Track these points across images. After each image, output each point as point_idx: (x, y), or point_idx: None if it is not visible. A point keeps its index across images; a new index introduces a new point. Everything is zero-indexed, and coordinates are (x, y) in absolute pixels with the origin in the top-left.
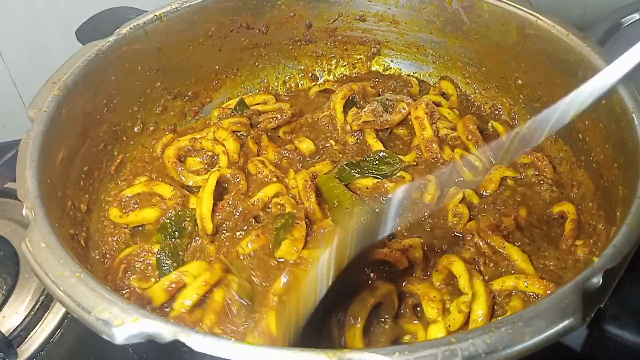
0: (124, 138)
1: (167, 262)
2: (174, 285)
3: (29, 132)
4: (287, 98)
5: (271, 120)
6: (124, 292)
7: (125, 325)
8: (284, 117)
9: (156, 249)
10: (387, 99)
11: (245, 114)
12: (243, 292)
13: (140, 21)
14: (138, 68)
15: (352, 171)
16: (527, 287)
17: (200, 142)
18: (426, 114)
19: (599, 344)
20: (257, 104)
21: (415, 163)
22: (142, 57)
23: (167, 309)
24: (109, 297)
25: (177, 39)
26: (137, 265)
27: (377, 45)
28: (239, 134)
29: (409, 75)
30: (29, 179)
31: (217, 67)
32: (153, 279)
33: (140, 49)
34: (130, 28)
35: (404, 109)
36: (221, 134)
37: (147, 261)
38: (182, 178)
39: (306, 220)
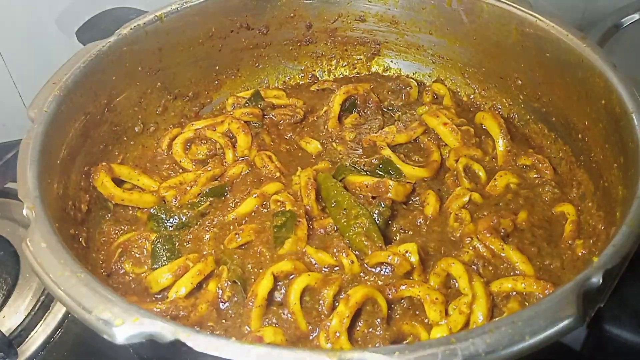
0: (125, 138)
1: (162, 252)
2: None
3: (29, 133)
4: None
5: (284, 116)
6: (120, 272)
7: (126, 325)
8: (296, 118)
9: (153, 237)
10: (397, 119)
11: (259, 105)
12: (234, 275)
13: (140, 22)
14: (138, 68)
15: (352, 168)
16: (525, 288)
17: (205, 132)
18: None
19: (599, 344)
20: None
21: (426, 179)
22: (142, 58)
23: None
24: (110, 297)
25: (178, 40)
26: (133, 251)
27: (377, 46)
28: (252, 124)
29: (408, 76)
30: (29, 179)
31: (217, 67)
32: (146, 266)
33: (141, 49)
34: (131, 28)
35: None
36: (234, 126)
37: (144, 247)
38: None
39: (306, 216)
